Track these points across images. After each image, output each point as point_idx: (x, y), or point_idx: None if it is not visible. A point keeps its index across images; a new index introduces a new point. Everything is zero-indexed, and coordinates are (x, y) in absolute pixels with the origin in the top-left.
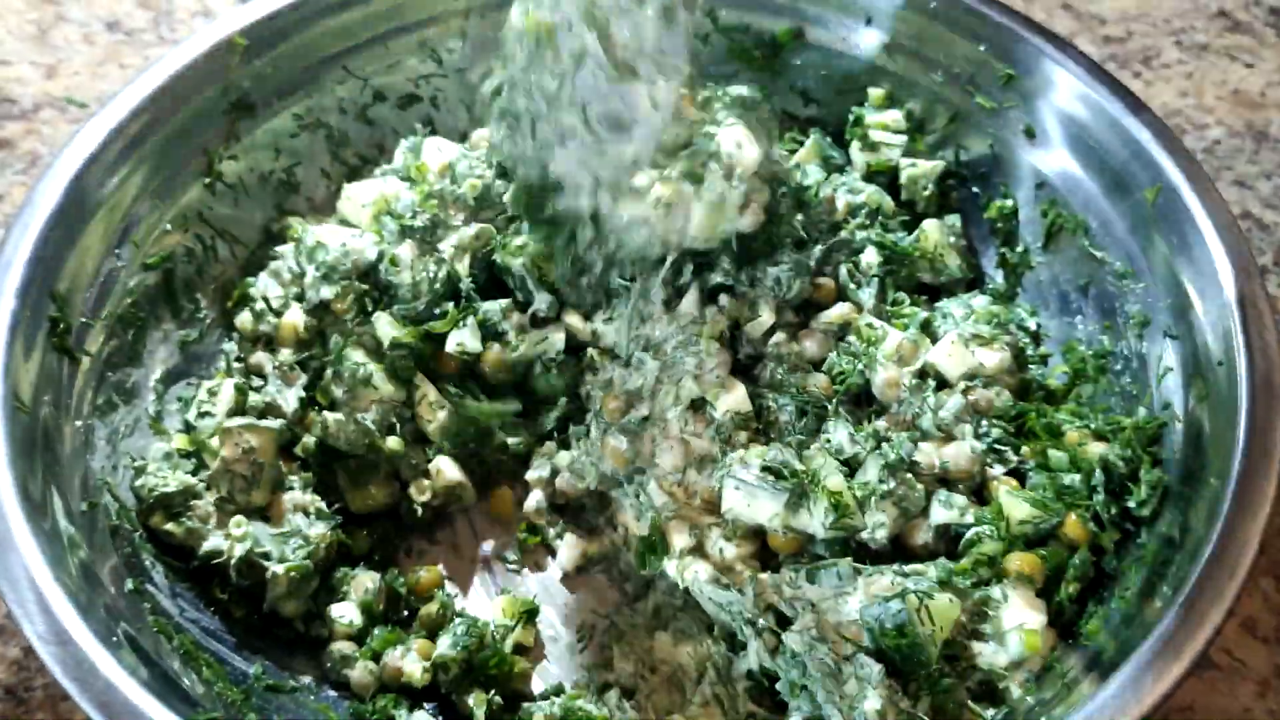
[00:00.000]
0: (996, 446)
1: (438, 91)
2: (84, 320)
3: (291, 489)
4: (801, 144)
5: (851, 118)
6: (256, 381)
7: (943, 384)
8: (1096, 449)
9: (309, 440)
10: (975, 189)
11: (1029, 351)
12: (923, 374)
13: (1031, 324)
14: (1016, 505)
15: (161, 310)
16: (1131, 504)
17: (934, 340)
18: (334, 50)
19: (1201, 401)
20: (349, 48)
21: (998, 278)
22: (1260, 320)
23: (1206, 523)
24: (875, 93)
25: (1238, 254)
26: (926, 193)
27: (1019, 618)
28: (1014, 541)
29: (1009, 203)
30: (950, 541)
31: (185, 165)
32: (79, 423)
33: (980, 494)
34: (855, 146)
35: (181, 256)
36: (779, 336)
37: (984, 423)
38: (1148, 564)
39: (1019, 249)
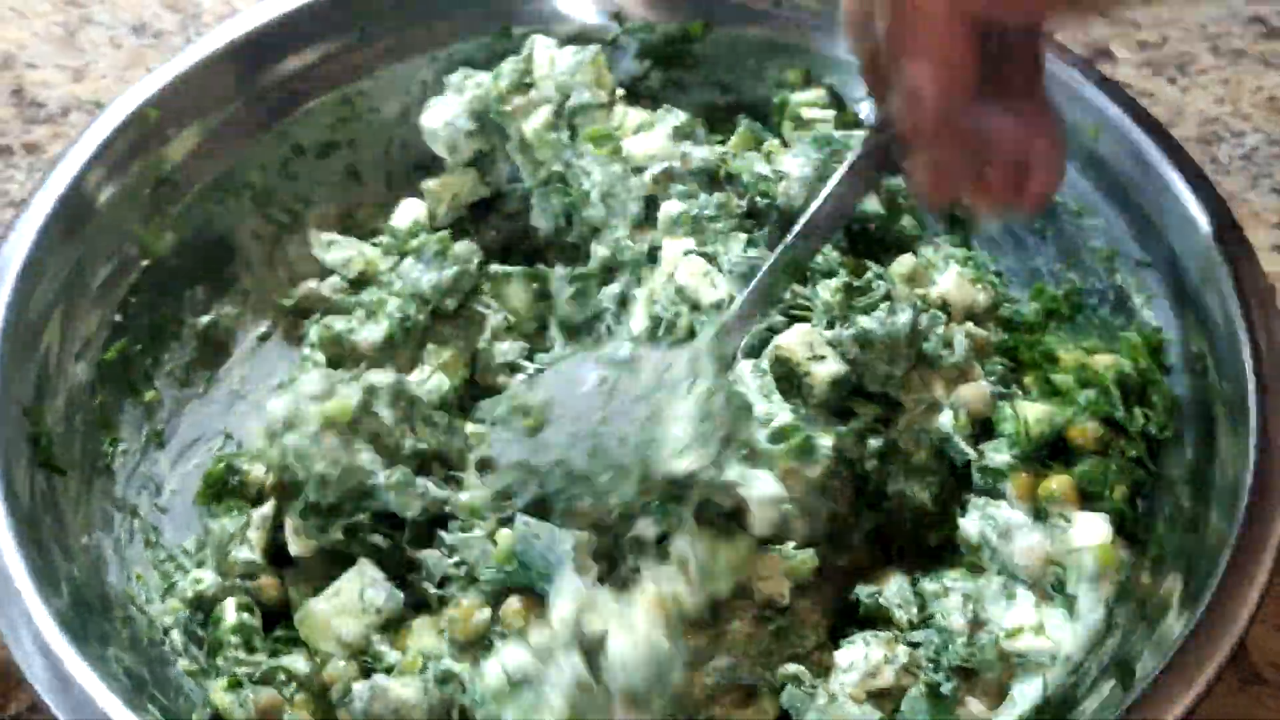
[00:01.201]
0: (1001, 383)
1: (354, 136)
2: (61, 430)
3: None
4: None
5: (777, 100)
6: None
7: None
8: (1104, 360)
9: None
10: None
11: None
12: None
13: (993, 267)
14: (1031, 407)
15: (126, 404)
16: (1153, 429)
17: None
18: (249, 105)
19: (1198, 326)
20: (263, 103)
21: (948, 235)
22: (1237, 237)
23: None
24: (794, 72)
25: (1194, 172)
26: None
27: (1087, 535)
28: (1034, 449)
29: None
30: None
31: (121, 254)
32: (85, 539)
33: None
34: (787, 127)
35: (136, 351)
36: None
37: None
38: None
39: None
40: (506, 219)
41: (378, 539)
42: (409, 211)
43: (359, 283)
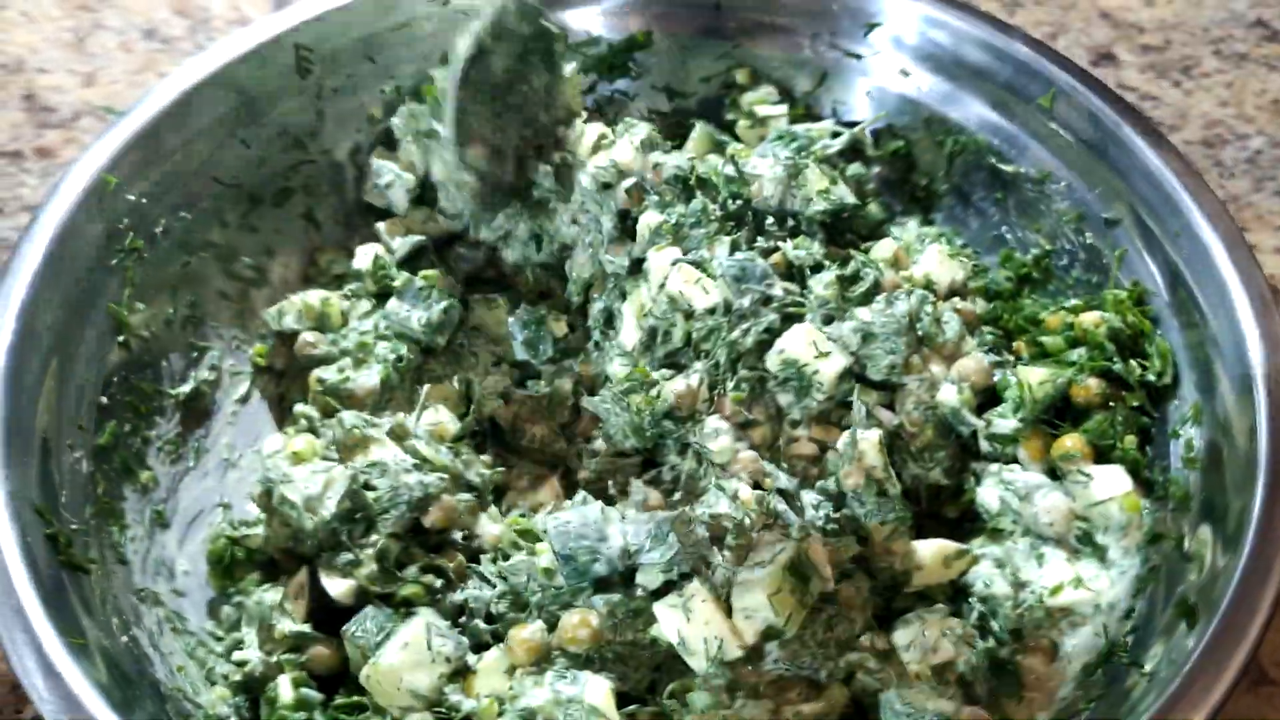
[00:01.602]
0: (994, 352)
1: (308, 180)
2: (75, 526)
3: None
4: (682, 139)
5: (728, 100)
6: None
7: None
8: (1090, 318)
9: None
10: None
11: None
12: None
13: (959, 240)
14: (1031, 371)
15: (126, 489)
16: (1151, 377)
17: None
18: (198, 164)
19: (1176, 274)
20: (212, 156)
21: (911, 215)
22: (1196, 176)
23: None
24: (741, 72)
25: (1149, 125)
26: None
27: (1108, 487)
28: (1040, 411)
29: (900, 144)
30: None
31: (97, 331)
32: (124, 639)
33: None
34: (742, 125)
35: (125, 432)
36: None
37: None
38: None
39: (924, 184)
40: (471, 247)
41: (430, 578)
42: (368, 255)
43: (322, 329)
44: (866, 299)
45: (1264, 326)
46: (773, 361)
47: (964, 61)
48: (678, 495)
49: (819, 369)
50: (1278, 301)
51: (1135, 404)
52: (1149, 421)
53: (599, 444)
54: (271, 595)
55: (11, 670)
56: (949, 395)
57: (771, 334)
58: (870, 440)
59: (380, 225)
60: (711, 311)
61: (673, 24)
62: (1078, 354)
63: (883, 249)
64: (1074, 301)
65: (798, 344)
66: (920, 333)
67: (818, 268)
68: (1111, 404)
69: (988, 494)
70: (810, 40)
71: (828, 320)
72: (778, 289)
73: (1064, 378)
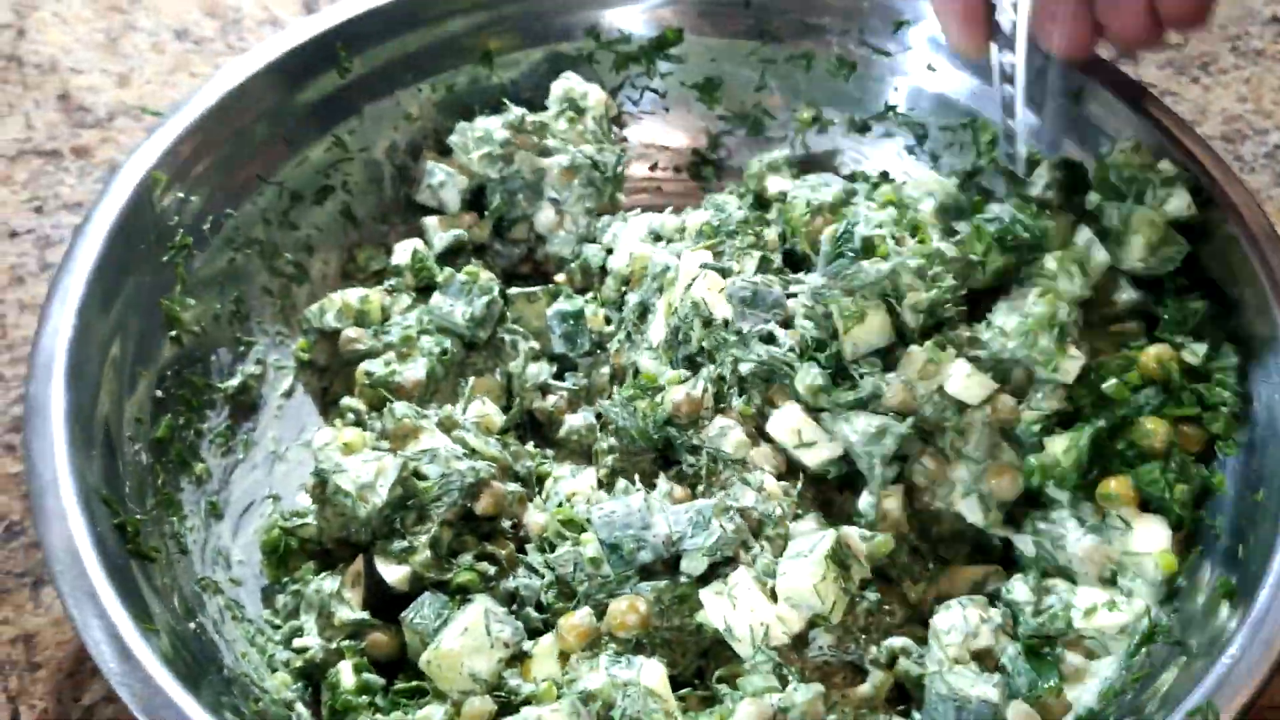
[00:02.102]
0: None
1: (347, 177)
2: (139, 517)
3: None
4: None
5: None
6: None
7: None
8: (1156, 352)
9: None
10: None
11: None
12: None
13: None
14: (1054, 442)
15: (182, 480)
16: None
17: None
18: (242, 162)
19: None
20: (255, 154)
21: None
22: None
23: None
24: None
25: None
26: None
27: (1147, 541)
28: (1078, 477)
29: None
30: None
31: (150, 326)
32: (191, 624)
33: None
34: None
35: (180, 425)
36: None
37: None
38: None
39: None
40: (508, 244)
41: (485, 565)
42: (407, 250)
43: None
44: (861, 405)
45: None
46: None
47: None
48: (701, 488)
49: (801, 458)
50: None
51: (1195, 450)
52: (1206, 476)
53: (613, 440)
54: (329, 584)
55: (72, 643)
56: (973, 512)
57: (767, 367)
58: (893, 501)
59: (429, 220)
60: (725, 324)
61: (703, 22)
62: (1145, 395)
63: (912, 361)
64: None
65: (781, 429)
66: (939, 445)
67: (821, 346)
68: (1170, 452)
69: (1024, 545)
70: (839, 37)
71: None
72: (781, 334)
73: (1086, 436)
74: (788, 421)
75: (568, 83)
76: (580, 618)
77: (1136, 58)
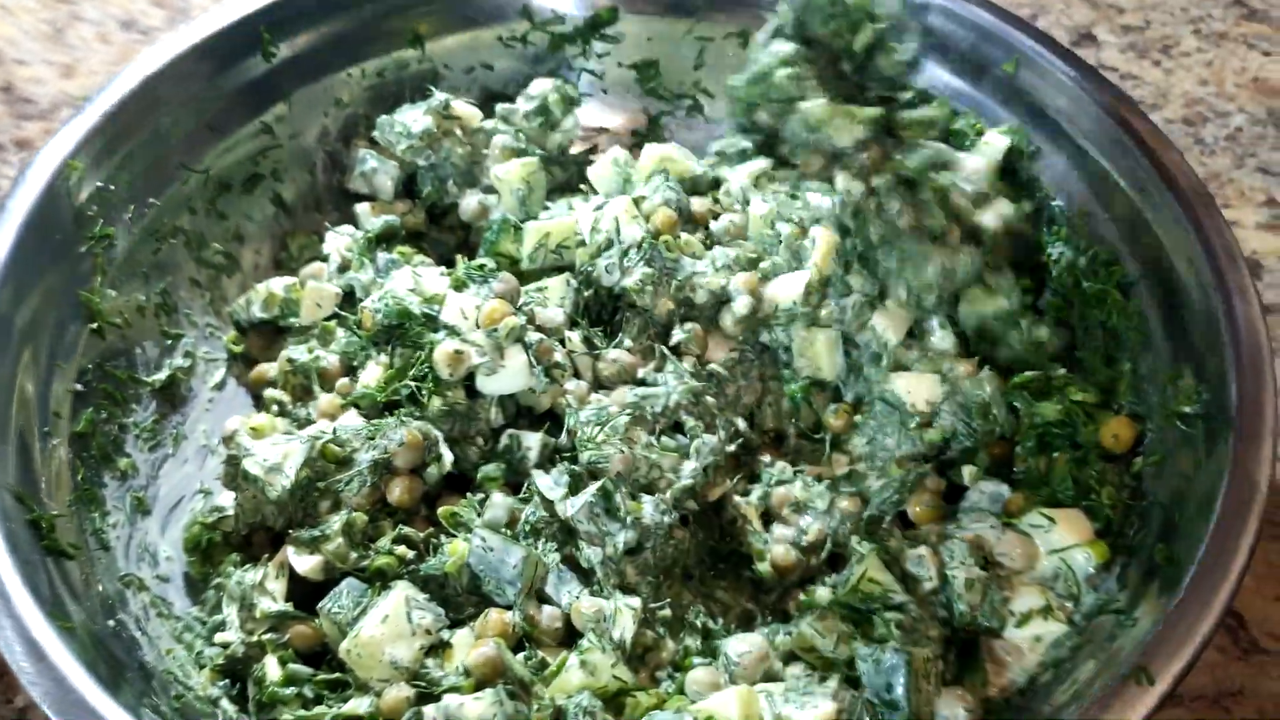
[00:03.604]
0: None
1: (276, 165)
2: (55, 513)
3: None
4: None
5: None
6: None
7: None
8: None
9: None
10: None
11: None
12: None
13: None
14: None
15: (105, 476)
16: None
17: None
18: (165, 150)
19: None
20: (178, 142)
21: None
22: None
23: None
24: None
25: (1095, 77)
26: None
27: (1067, 534)
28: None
29: None
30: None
31: (68, 318)
32: (110, 622)
33: None
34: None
35: (102, 419)
36: None
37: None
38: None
39: None
40: (447, 231)
41: (403, 549)
42: (339, 240)
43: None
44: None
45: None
46: None
47: (928, 31)
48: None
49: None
50: (1256, 275)
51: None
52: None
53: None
54: (251, 575)
55: None
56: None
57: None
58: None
59: (361, 207)
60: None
61: (638, 0)
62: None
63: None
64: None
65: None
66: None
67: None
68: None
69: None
70: (773, 13)
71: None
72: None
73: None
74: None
75: (546, 89)
76: (496, 615)
77: (1097, 41)
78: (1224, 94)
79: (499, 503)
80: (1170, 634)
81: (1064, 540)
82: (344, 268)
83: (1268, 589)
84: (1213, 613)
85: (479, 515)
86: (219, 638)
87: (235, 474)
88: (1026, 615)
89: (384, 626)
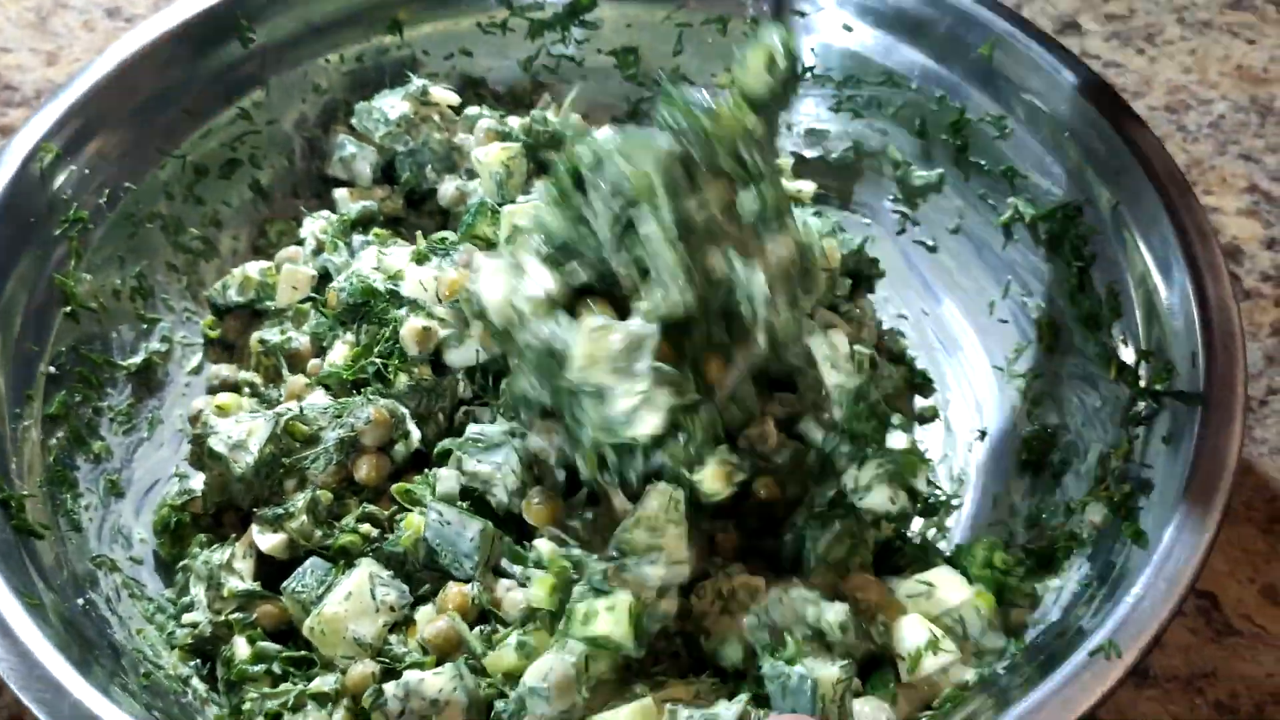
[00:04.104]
0: None
1: (254, 150)
2: (25, 493)
3: None
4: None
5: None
6: None
7: None
8: None
9: None
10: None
11: None
12: None
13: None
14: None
15: (79, 458)
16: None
17: None
18: (141, 135)
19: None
20: (155, 127)
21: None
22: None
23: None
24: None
25: (1077, 64)
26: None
27: (952, 592)
28: None
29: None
30: None
31: (42, 301)
32: (81, 601)
33: None
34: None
35: (76, 402)
36: None
37: None
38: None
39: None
40: (425, 217)
41: (367, 527)
42: (315, 225)
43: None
44: None
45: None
46: None
47: (905, 14)
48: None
49: None
50: (1236, 261)
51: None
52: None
53: None
54: (219, 555)
55: None
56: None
57: None
58: None
59: (340, 192)
60: None
61: None
62: None
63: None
64: None
65: None
66: None
67: None
68: None
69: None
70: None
71: None
72: None
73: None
74: None
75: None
76: (455, 589)
77: (1081, 30)
78: (1207, 82)
79: (447, 476)
80: (1138, 608)
81: (948, 601)
82: (319, 251)
83: (1241, 572)
84: (1180, 587)
85: (432, 492)
86: (187, 618)
87: (201, 452)
88: (916, 655)
89: (347, 604)
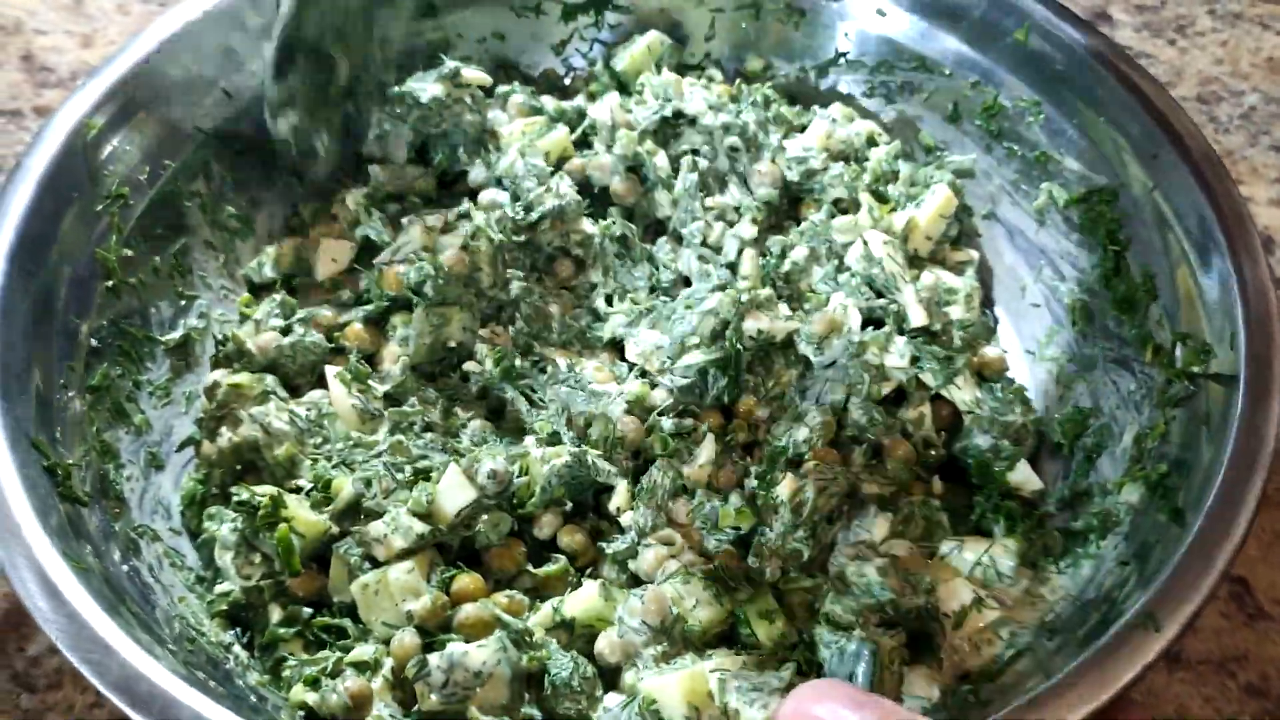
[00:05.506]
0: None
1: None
2: (72, 462)
3: None
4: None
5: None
6: None
7: None
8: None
9: None
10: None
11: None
12: None
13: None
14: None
15: (120, 430)
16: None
17: None
18: (181, 114)
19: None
20: (194, 106)
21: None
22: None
23: None
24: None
25: (1113, 48)
26: None
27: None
28: None
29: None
30: None
31: (84, 275)
32: (125, 567)
33: None
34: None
35: (116, 375)
36: None
37: None
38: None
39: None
40: (455, 198)
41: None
42: (348, 202)
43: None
44: None
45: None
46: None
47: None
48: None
49: None
50: (1269, 250)
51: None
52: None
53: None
54: (242, 523)
55: (14, 592)
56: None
57: None
58: None
59: (374, 169)
60: None
61: None
62: None
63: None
64: None
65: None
66: None
67: None
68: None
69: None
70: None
71: None
72: None
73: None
74: None
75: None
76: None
77: (1112, 20)
78: (1239, 73)
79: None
80: (1177, 585)
81: (979, 548)
82: (354, 223)
83: (1274, 556)
84: (1218, 564)
85: None
86: (219, 588)
87: (215, 425)
88: (962, 613)
89: (409, 577)
